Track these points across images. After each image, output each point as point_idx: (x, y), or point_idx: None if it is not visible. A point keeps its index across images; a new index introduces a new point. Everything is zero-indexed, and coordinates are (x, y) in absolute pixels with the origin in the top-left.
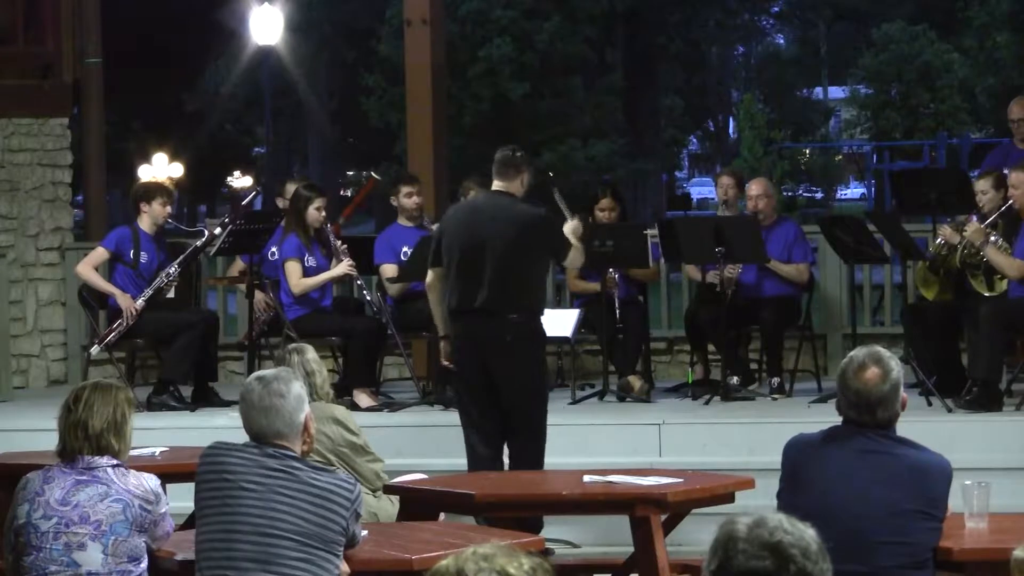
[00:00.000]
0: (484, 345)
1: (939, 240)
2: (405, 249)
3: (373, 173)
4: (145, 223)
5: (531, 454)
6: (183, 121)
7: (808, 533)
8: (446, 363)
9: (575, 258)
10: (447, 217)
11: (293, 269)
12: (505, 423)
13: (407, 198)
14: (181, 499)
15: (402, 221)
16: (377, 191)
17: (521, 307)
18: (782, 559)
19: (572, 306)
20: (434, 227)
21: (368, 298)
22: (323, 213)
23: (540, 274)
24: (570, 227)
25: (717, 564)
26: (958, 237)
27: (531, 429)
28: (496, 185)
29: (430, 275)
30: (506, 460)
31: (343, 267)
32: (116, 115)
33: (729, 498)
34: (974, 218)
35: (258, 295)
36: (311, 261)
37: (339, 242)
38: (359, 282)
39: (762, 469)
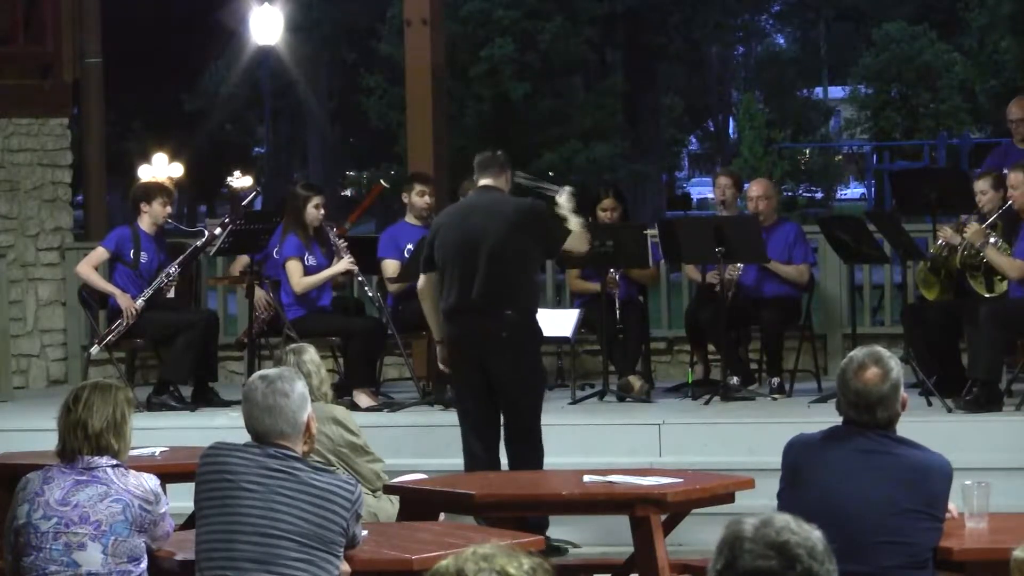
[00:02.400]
0: (481, 342)
1: (940, 242)
2: (409, 246)
3: (382, 181)
4: (145, 223)
5: (530, 454)
6: (183, 121)
7: (815, 534)
8: (443, 367)
9: (576, 241)
10: (439, 220)
11: (294, 268)
12: (504, 422)
13: (419, 196)
14: (181, 499)
15: (409, 219)
16: (383, 196)
17: (516, 303)
18: (788, 559)
19: (572, 306)
20: None
21: (370, 294)
22: (321, 211)
23: (532, 269)
24: (563, 199)
25: (723, 564)
26: (959, 238)
27: (527, 427)
28: (483, 182)
29: (422, 280)
30: (504, 461)
31: (344, 263)
32: (116, 115)
33: (729, 498)
34: (968, 218)
35: (258, 293)
36: (311, 260)
37: (340, 240)
38: (360, 279)
39: (762, 469)
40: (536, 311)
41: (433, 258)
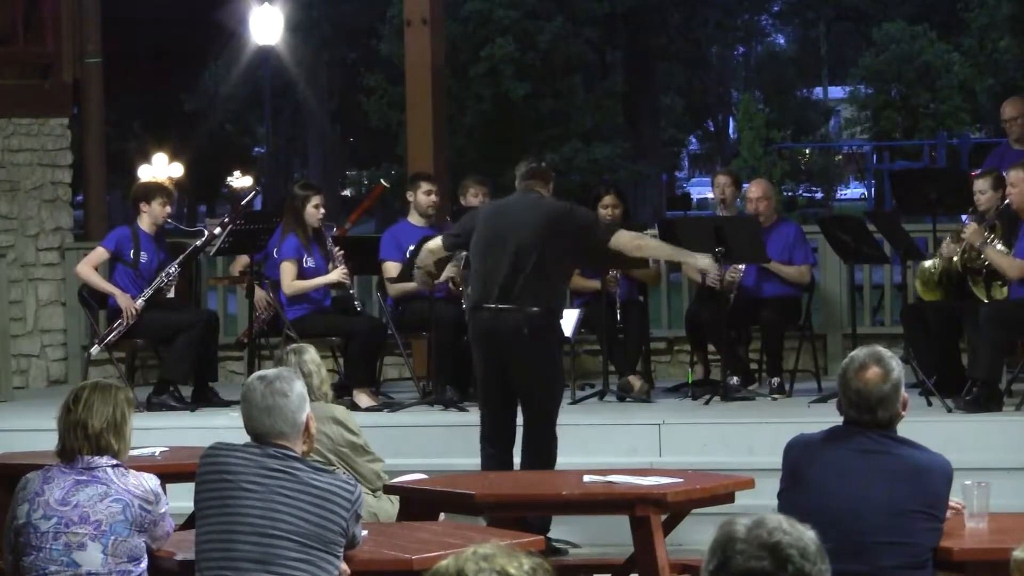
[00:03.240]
0: (501, 339)
1: (941, 250)
2: (411, 248)
3: (383, 181)
4: (145, 223)
5: (543, 456)
6: (183, 121)
7: (807, 534)
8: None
9: (626, 241)
10: (482, 211)
11: (288, 270)
12: (522, 421)
13: (425, 195)
14: (181, 499)
15: (412, 219)
16: (384, 196)
17: (539, 302)
18: (780, 559)
19: (572, 305)
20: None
21: (359, 308)
22: (321, 211)
23: (559, 271)
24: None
25: (716, 564)
26: (957, 249)
27: (543, 428)
28: (526, 183)
29: (435, 241)
30: (517, 459)
31: (336, 275)
32: (116, 115)
33: (729, 498)
34: (965, 218)
35: (259, 293)
36: (310, 262)
37: (336, 248)
38: (352, 291)
39: (762, 469)
40: (560, 313)
41: (458, 241)
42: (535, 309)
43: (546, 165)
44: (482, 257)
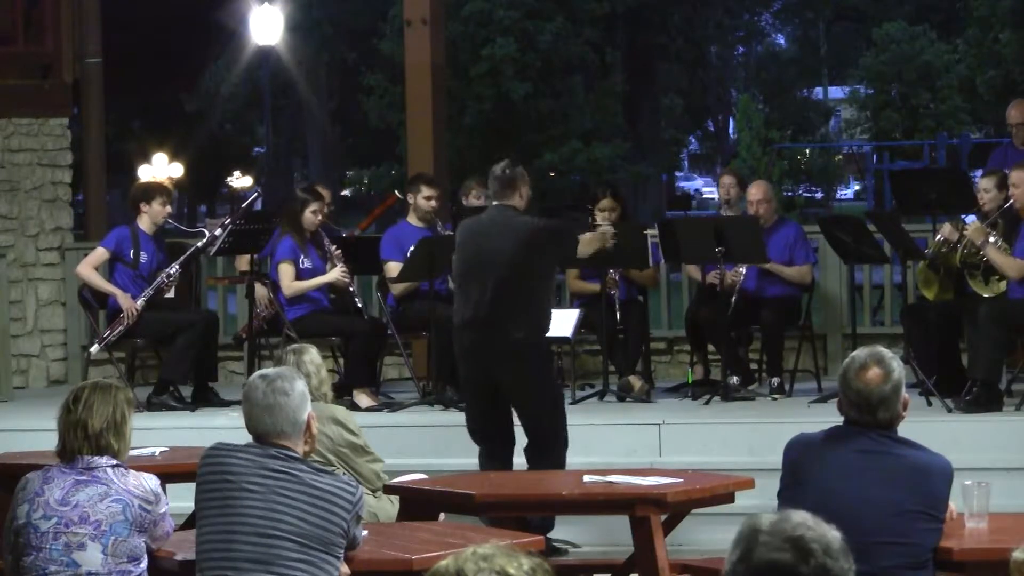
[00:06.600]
0: (488, 359)
1: (939, 238)
2: (412, 249)
3: (396, 192)
4: (144, 223)
5: (549, 464)
6: (183, 121)
7: (831, 532)
8: None
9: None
10: (462, 232)
11: (286, 271)
12: (527, 434)
13: (425, 200)
14: (181, 499)
15: (412, 220)
16: (394, 207)
17: (523, 322)
18: (802, 553)
19: (572, 306)
20: (441, 230)
21: (359, 305)
22: (319, 217)
23: (543, 288)
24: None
25: (739, 555)
26: (958, 235)
27: (544, 441)
28: (497, 202)
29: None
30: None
31: (335, 273)
32: (116, 115)
33: (729, 498)
34: (971, 218)
35: (260, 290)
36: (306, 263)
37: (333, 247)
38: (352, 288)
39: (762, 469)
40: (546, 330)
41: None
42: (521, 333)
43: (518, 168)
44: (465, 280)
